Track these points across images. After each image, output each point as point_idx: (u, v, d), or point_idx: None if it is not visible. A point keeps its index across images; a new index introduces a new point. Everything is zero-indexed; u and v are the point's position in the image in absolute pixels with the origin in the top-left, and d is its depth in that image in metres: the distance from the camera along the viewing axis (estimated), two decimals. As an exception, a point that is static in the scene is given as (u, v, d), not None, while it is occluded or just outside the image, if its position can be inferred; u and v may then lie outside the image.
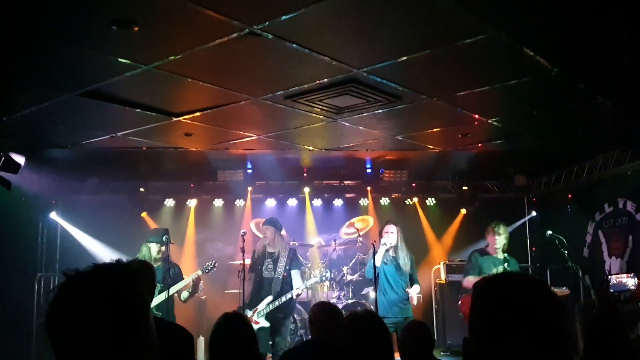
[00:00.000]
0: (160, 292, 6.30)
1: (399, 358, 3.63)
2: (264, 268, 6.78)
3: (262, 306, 6.61)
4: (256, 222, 9.29)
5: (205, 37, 4.27)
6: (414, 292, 6.69)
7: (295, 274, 6.84)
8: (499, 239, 6.57)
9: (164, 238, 6.65)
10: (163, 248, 6.60)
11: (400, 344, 3.68)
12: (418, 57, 4.61)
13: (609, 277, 6.89)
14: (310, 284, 7.47)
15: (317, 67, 4.83)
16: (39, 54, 4.59)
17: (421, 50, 4.52)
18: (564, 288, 6.88)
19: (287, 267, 6.79)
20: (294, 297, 6.82)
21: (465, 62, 4.86)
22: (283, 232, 8.93)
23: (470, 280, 6.56)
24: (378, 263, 6.56)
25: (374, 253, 6.51)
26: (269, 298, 6.63)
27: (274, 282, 6.69)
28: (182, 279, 6.60)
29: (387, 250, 6.67)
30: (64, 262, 9.36)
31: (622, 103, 5.93)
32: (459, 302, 6.93)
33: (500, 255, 6.57)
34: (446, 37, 4.32)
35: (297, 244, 8.70)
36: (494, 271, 6.45)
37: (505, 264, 6.53)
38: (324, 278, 7.42)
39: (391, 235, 6.69)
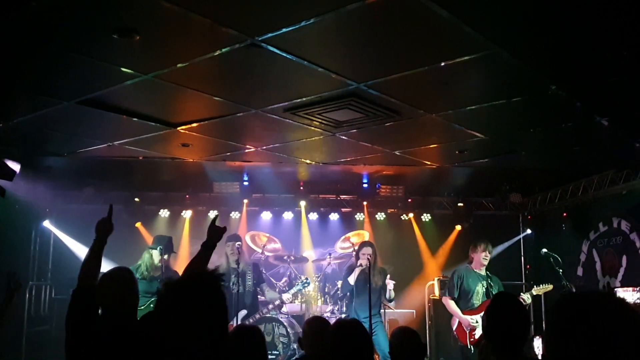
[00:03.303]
0: (149, 305, 6.24)
1: None
2: (231, 284, 6.96)
3: (236, 322, 6.80)
4: (251, 235, 9.28)
5: (206, 48, 4.27)
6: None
7: (265, 287, 7.44)
8: (489, 257, 6.82)
9: (158, 248, 6.62)
10: (166, 257, 6.61)
11: (392, 350, 3.66)
12: (418, 72, 4.62)
13: (615, 289, 6.99)
14: (294, 292, 7.58)
15: (318, 80, 4.84)
16: (39, 61, 4.58)
17: (421, 65, 4.53)
18: (548, 284, 7.06)
19: (255, 282, 7.23)
20: (278, 305, 7.31)
21: (464, 79, 4.88)
22: (278, 245, 8.95)
23: (448, 303, 6.92)
24: (352, 282, 7.07)
25: (350, 271, 7.11)
26: (243, 312, 6.90)
27: (246, 297, 6.95)
28: None
29: (362, 271, 7.01)
30: (56, 271, 9.30)
31: (618, 122, 5.96)
32: (454, 327, 6.91)
33: (483, 272, 6.80)
34: (447, 53, 4.34)
35: (292, 258, 8.68)
36: (480, 286, 6.77)
37: (489, 280, 6.83)
38: (306, 285, 7.63)
39: (367, 257, 7.02)
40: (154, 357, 2.99)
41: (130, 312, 3.23)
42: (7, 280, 4.63)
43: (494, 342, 3.03)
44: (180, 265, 8.72)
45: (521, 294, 6.89)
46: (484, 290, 6.76)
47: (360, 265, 6.98)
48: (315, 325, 4.02)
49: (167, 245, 6.75)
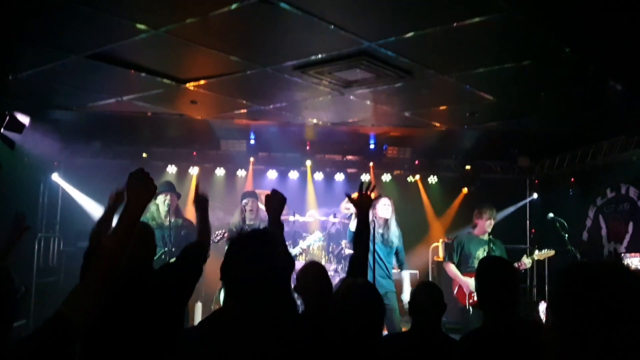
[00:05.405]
0: (160, 256, 6.20)
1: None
2: None
3: None
4: (257, 193, 9.30)
5: (217, 3, 4.22)
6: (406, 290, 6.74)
7: None
8: (492, 223, 6.77)
9: (162, 192, 6.50)
10: (168, 196, 6.49)
11: (412, 302, 3.63)
12: (431, 32, 4.56)
13: (624, 255, 7.01)
14: (307, 245, 7.60)
15: (329, 38, 4.78)
16: (49, 14, 4.53)
17: (434, 25, 4.47)
18: (550, 249, 7.01)
19: None
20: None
21: (477, 39, 4.81)
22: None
23: (449, 268, 6.82)
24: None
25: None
26: None
27: None
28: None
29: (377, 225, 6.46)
30: (64, 223, 9.39)
31: (633, 87, 5.88)
32: (454, 290, 6.88)
33: (485, 237, 6.74)
34: (460, 14, 4.27)
35: (297, 218, 8.71)
36: (481, 251, 6.69)
37: (491, 244, 6.70)
38: (321, 239, 7.67)
39: (387, 207, 6.56)
40: (167, 309, 3.05)
41: (145, 264, 3.27)
42: (14, 220, 4.52)
43: (486, 306, 3.05)
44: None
45: (523, 258, 6.85)
46: (485, 254, 6.60)
47: (374, 220, 6.23)
48: (312, 271, 3.90)
49: (170, 187, 6.67)
